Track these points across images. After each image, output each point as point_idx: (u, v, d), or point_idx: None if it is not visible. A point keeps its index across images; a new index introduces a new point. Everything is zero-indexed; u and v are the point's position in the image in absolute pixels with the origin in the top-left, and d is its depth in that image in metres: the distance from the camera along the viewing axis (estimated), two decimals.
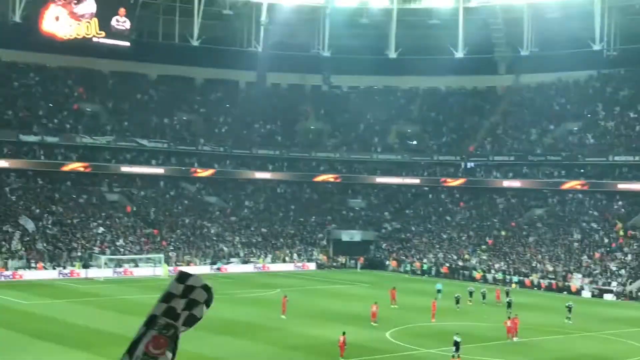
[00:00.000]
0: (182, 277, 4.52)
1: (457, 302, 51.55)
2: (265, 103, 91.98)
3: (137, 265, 67.38)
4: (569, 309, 48.32)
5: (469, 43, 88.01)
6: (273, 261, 75.03)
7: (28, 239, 65.87)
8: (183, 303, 4.49)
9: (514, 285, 64.61)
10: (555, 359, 38.09)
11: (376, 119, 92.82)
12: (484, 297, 53.81)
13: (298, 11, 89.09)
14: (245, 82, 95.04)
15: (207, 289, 4.57)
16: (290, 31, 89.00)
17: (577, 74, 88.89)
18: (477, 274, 69.91)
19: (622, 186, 74.43)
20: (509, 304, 48.56)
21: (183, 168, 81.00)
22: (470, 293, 54.08)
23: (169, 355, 4.47)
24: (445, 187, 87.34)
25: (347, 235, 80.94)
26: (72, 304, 50.40)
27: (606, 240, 71.17)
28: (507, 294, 52.31)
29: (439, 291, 53.98)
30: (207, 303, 4.57)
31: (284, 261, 75.51)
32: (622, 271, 65.17)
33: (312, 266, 76.54)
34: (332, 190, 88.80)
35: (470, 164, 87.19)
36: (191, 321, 4.55)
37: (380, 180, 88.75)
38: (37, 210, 69.63)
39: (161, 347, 4.48)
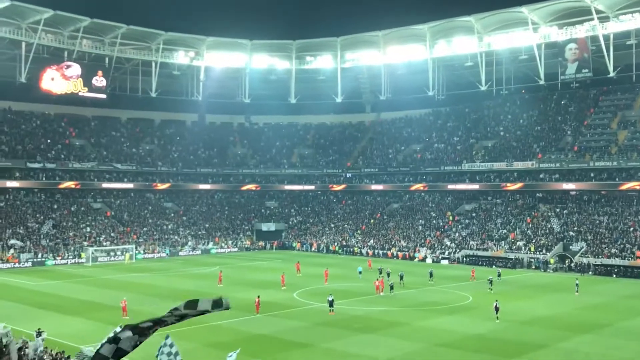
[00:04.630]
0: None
1: (360, 273, 54.72)
2: (205, 135, 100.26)
3: (115, 254, 71.38)
4: (431, 274, 52.85)
5: (345, 91, 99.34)
6: (214, 246, 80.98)
7: (35, 237, 69.88)
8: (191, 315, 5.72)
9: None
10: (408, 305, 40.41)
11: (283, 145, 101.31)
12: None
13: (226, 71, 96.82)
14: (190, 121, 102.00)
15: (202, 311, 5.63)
16: (221, 85, 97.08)
17: (418, 111, 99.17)
18: (355, 249, 77.36)
19: (450, 187, 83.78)
20: (380, 271, 53.90)
21: (147, 183, 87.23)
22: (360, 272, 55.27)
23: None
24: (332, 191, 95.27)
25: (265, 227, 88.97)
26: (66, 283, 52.15)
27: (441, 223, 79.52)
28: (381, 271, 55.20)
29: (360, 272, 54.66)
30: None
31: (221, 247, 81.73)
32: (452, 244, 73.19)
33: (241, 249, 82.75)
34: (254, 196, 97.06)
35: (348, 174, 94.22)
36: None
37: (287, 187, 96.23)
38: (41, 217, 74.95)
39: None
